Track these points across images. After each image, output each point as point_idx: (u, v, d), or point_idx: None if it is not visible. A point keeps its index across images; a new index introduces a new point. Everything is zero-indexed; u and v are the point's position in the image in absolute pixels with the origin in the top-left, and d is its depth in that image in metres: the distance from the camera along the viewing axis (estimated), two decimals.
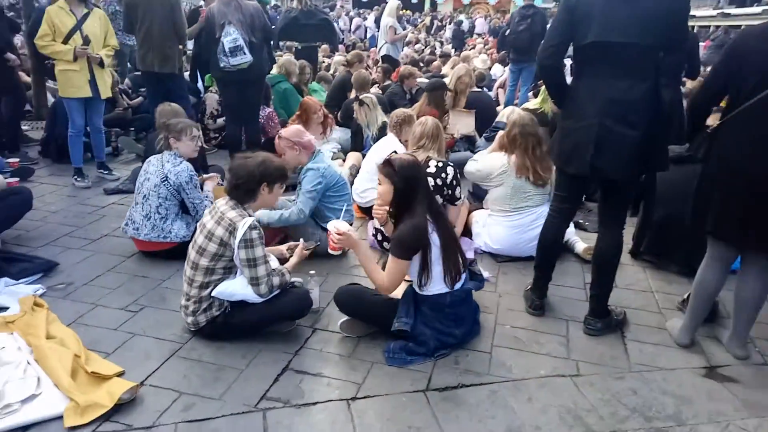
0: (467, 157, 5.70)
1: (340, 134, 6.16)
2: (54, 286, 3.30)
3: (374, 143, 5.23)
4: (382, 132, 5.17)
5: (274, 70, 6.64)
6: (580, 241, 3.99)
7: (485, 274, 3.58)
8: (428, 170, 3.66)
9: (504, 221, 3.84)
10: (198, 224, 2.88)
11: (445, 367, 2.68)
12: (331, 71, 9.67)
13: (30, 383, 2.36)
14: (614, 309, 3.11)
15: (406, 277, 2.73)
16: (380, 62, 10.31)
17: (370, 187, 4.43)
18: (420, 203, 2.66)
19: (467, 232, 4.14)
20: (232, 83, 5.00)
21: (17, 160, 5.28)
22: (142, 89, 6.85)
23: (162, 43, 5.43)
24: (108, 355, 2.67)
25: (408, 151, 3.84)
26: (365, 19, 20.27)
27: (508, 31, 12.98)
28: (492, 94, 9.92)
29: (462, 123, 5.95)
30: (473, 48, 15.75)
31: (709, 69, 3.55)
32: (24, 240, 3.90)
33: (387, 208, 2.79)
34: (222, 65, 4.76)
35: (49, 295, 3.20)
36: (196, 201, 3.63)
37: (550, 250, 3.20)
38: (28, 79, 6.81)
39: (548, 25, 5.63)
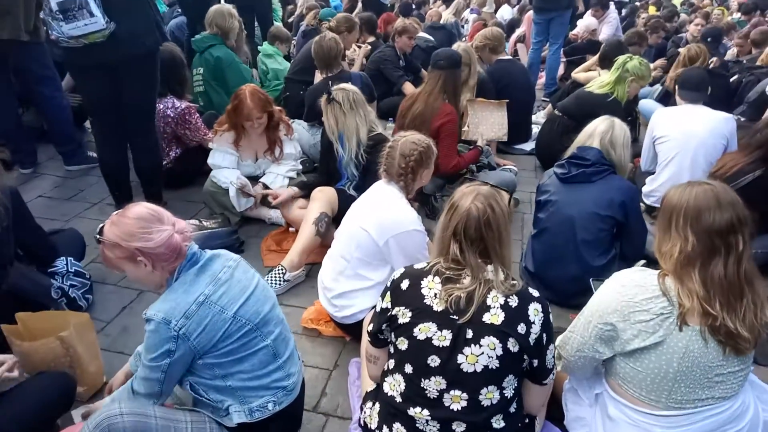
0: (511, 179, 3.54)
1: (307, 138, 3.88)
2: None
3: (356, 171, 3.03)
4: (374, 149, 2.83)
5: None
6: None
7: None
8: (486, 316, 1.55)
9: (649, 424, 1.70)
10: None
11: None
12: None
13: None
14: None
15: None
16: (359, 6, 7.87)
17: (352, 289, 2.29)
18: None
19: (552, 404, 2.03)
20: (89, 70, 2.67)
21: None
22: None
23: None
24: None
25: (434, 262, 1.68)
26: None
27: None
28: (507, 50, 7.59)
29: (488, 123, 3.75)
30: None
31: None
32: None
33: None
34: (54, 36, 2.42)
35: None
36: None
37: None
38: None
39: None
